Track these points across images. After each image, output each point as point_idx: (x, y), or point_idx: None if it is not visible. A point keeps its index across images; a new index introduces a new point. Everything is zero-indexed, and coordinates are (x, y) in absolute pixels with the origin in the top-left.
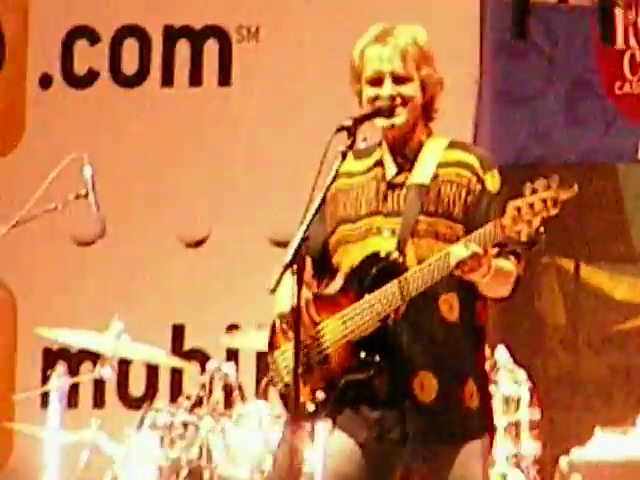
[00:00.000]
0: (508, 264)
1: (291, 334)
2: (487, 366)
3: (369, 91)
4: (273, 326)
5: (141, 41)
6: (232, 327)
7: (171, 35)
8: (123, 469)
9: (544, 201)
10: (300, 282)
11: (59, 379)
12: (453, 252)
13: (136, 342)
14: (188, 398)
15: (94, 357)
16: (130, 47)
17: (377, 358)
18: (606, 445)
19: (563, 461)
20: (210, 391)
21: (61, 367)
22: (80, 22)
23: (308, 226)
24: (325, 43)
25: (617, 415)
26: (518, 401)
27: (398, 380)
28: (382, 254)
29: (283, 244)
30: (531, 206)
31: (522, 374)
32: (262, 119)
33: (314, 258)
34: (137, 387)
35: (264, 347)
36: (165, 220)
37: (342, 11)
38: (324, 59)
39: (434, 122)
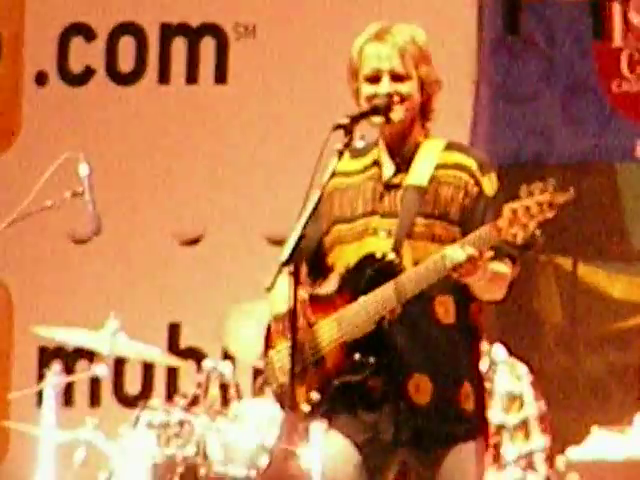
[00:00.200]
0: (503, 267)
1: (287, 334)
2: (484, 364)
3: (367, 89)
4: (269, 326)
5: (137, 38)
6: None
7: (167, 32)
8: (119, 467)
9: (540, 204)
10: (296, 281)
11: (55, 377)
12: (449, 254)
13: (132, 340)
14: (184, 397)
15: (90, 355)
16: (126, 44)
17: (372, 360)
18: (603, 444)
19: (560, 460)
20: (206, 390)
21: (57, 365)
22: (76, 19)
23: (305, 225)
24: (322, 41)
25: (614, 414)
26: (521, 397)
27: (393, 382)
28: (378, 255)
29: (279, 242)
30: (527, 209)
31: (523, 368)
32: (258, 117)
33: (308, 257)
34: (133, 386)
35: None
36: (161, 218)
37: (339, 9)
38: (321, 57)
39: (431, 122)
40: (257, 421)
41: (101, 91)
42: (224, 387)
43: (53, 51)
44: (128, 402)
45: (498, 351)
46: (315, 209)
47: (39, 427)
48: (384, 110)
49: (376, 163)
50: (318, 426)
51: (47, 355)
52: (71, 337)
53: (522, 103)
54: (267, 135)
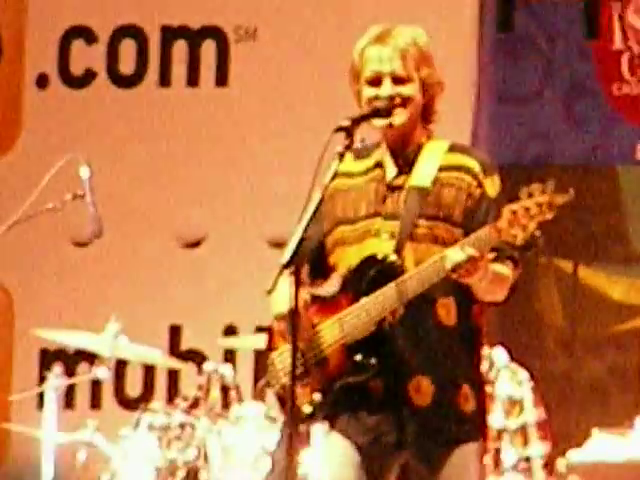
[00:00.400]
0: (505, 269)
1: (289, 336)
2: (484, 367)
3: (368, 91)
4: (271, 328)
5: (138, 41)
6: (229, 328)
7: (168, 35)
8: (120, 470)
9: (540, 205)
10: (298, 283)
11: (56, 380)
12: (449, 255)
13: (133, 343)
14: (185, 399)
15: (91, 358)
16: (127, 47)
17: (373, 361)
18: (604, 447)
19: (560, 463)
20: (207, 392)
21: (58, 368)
22: (77, 22)
23: (306, 227)
24: (323, 43)
25: (615, 417)
26: (521, 402)
27: (394, 383)
28: (380, 257)
29: (280, 245)
30: (527, 210)
31: (524, 374)
32: (259, 119)
33: (310, 258)
34: (134, 388)
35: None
36: (162, 221)
37: (340, 11)
38: (322, 59)
39: (433, 124)
40: (258, 424)
41: (102, 94)
42: (225, 389)
43: (54, 54)
44: (129, 404)
45: (499, 355)
46: (317, 210)
47: (40, 429)
48: (385, 112)
49: (379, 165)
50: (319, 428)
51: (48, 357)
52: (72, 339)
53: (523, 105)
54: (268, 138)
